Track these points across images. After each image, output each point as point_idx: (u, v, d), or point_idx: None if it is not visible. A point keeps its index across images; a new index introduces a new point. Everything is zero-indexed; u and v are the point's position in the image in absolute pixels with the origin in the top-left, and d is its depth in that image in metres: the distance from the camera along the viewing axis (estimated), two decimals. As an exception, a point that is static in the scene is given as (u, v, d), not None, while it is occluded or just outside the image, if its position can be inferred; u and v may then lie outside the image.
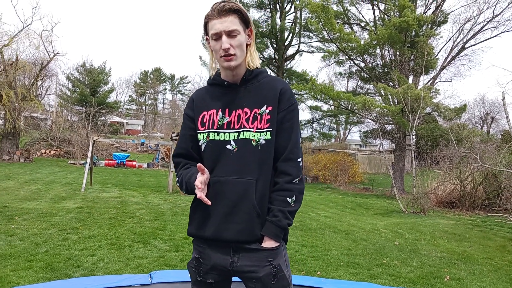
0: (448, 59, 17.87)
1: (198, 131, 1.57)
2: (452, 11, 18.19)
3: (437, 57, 17.62)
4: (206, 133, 1.55)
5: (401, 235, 7.18)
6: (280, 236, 1.48)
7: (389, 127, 17.42)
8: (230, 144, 1.50)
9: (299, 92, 24.13)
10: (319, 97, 17.21)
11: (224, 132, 1.52)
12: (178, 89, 69.94)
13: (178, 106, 62.62)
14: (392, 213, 10.57)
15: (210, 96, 1.60)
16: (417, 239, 6.91)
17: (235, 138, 1.50)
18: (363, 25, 18.88)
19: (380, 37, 15.54)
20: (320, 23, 16.23)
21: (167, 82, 70.77)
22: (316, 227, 7.40)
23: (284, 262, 1.51)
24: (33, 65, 20.93)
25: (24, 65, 19.89)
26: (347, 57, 18.37)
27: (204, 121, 1.56)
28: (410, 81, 16.98)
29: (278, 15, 26.47)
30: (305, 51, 27.74)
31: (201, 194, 1.41)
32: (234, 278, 1.58)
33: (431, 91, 15.48)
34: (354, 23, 19.09)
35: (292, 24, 26.88)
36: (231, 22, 1.47)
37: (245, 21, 1.52)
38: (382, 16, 17.69)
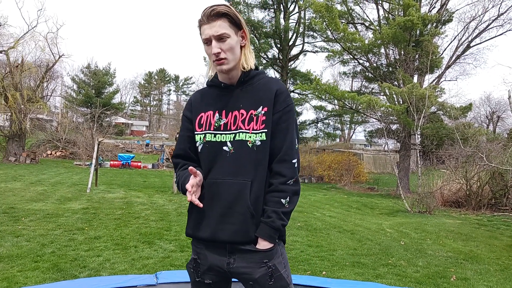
0: (453, 58, 17.78)
1: (195, 133, 1.59)
2: (457, 10, 18.10)
3: (442, 56, 17.54)
4: (203, 135, 1.56)
5: (407, 235, 7.15)
6: (274, 237, 1.47)
7: (394, 127, 17.35)
8: (227, 146, 1.51)
9: (304, 92, 24.12)
10: (323, 97, 17.17)
11: (221, 134, 1.53)
12: (182, 90, 70.12)
13: (182, 107, 62.53)
14: (397, 212, 10.53)
15: (208, 98, 1.62)
16: (423, 238, 6.88)
17: (232, 139, 1.51)
18: (367, 24, 18.82)
19: (385, 37, 15.49)
20: (324, 22, 16.20)
21: (171, 83, 70.97)
22: (321, 227, 7.39)
23: (281, 262, 1.51)
24: (38, 67, 21.07)
25: (30, 67, 20.02)
26: (351, 56, 18.32)
27: (201, 122, 1.58)
28: (415, 80, 16.91)
29: (282, 15, 26.45)
30: (309, 51, 27.70)
31: (191, 197, 1.43)
32: (235, 279, 1.59)
33: (436, 90, 15.41)
34: (358, 23, 19.03)
35: (296, 24, 26.85)
36: (220, 27, 1.47)
37: (236, 24, 1.51)
38: (387, 15, 17.63)
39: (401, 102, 15.70)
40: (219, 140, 1.53)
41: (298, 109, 27.61)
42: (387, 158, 25.91)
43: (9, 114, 19.09)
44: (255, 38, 25.24)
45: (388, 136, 16.10)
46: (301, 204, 10.98)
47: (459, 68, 20.96)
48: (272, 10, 26.82)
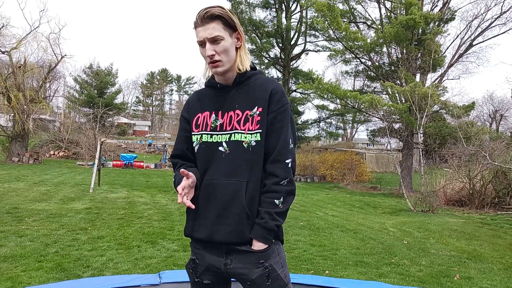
0: (456, 57, 17.74)
1: (192, 133, 1.59)
2: (459, 8, 18.08)
3: (444, 54, 17.50)
4: (200, 135, 1.57)
5: (410, 234, 7.14)
6: (268, 238, 1.46)
7: (396, 126, 17.32)
8: (222, 146, 1.51)
9: (306, 91, 24.10)
10: (325, 96, 17.15)
11: (217, 134, 1.53)
12: (184, 89, 70.21)
13: (184, 106, 62.77)
14: (400, 211, 10.51)
15: (205, 99, 1.62)
16: (426, 237, 6.86)
17: (227, 140, 1.51)
18: (369, 23, 18.79)
19: (387, 35, 15.45)
20: (326, 22, 16.17)
21: (173, 83, 71.07)
22: (324, 226, 7.38)
23: (278, 262, 1.50)
24: (41, 67, 21.12)
25: (32, 68, 20.07)
26: (353, 55, 18.28)
27: (198, 123, 1.58)
28: (417, 79, 16.86)
29: (283, 15, 26.45)
30: (311, 50, 27.71)
31: (181, 199, 1.43)
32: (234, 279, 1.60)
33: (439, 89, 15.36)
34: (360, 22, 19.00)
35: (298, 24, 26.86)
36: (214, 29, 1.47)
37: (230, 26, 1.51)
38: (389, 14, 17.59)
39: (403, 101, 15.66)
40: (215, 140, 1.53)
41: (300, 108, 27.60)
42: (389, 157, 25.84)
43: (12, 114, 19.14)
44: (257, 38, 25.23)
45: (391, 135, 16.06)
46: (303, 203, 10.97)
47: (462, 67, 20.94)
48: (274, 10, 26.82)
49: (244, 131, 1.49)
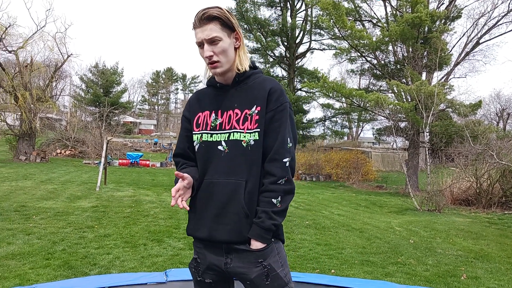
0: (463, 55, 17.60)
1: (193, 132, 1.61)
2: (465, 6, 17.99)
3: (451, 52, 17.38)
4: (200, 134, 1.58)
5: (416, 233, 7.11)
6: (265, 237, 1.46)
7: (402, 124, 17.24)
8: (221, 145, 1.52)
9: (311, 90, 24.02)
10: (331, 94, 17.11)
11: (216, 133, 1.54)
12: (190, 88, 70.36)
13: (190, 105, 62.95)
14: (406, 211, 10.47)
15: (205, 98, 1.64)
16: (432, 237, 6.83)
17: (226, 139, 1.52)
18: (374, 21, 18.71)
19: (393, 34, 15.38)
20: (331, 20, 16.13)
21: (179, 81, 71.25)
22: (329, 225, 7.37)
23: (277, 261, 1.50)
24: (47, 66, 21.24)
25: (39, 67, 20.19)
26: (359, 54, 18.22)
27: (199, 122, 1.59)
28: (423, 78, 16.77)
29: (288, 13, 26.39)
30: (316, 49, 27.64)
31: (175, 202, 1.45)
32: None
33: (445, 88, 15.26)
34: (365, 20, 18.92)
35: (303, 22, 26.79)
36: (211, 30, 1.48)
37: (228, 26, 1.52)
38: (394, 12, 17.50)
39: (409, 100, 15.59)
40: (214, 139, 1.54)
41: (305, 107, 27.54)
42: (395, 156, 25.75)
43: (19, 113, 19.27)
44: (261, 36, 25.20)
45: (397, 134, 16.01)
46: (309, 202, 10.96)
47: (468, 65, 20.77)
48: (279, 8, 26.77)
49: (243, 130, 1.49)
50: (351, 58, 20.49)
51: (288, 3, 26.47)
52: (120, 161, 21.76)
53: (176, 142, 1.74)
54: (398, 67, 17.51)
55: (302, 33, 26.69)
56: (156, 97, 69.68)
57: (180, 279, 3.47)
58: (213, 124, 1.56)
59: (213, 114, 1.57)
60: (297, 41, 26.71)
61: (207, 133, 1.56)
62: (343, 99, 18.21)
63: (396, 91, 16.38)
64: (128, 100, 51.72)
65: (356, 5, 18.18)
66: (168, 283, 3.42)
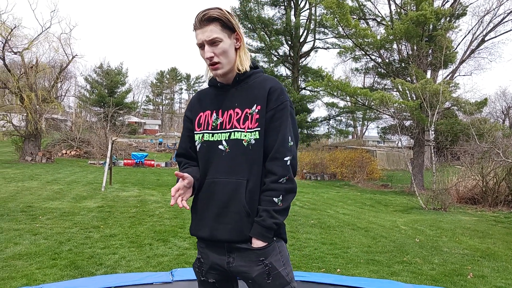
0: (468, 53, 17.48)
1: (194, 132, 1.62)
2: (470, 3, 17.69)
3: (456, 50, 17.25)
4: (201, 134, 1.59)
5: (422, 232, 7.08)
6: (266, 235, 1.46)
7: (407, 123, 17.15)
8: (222, 145, 1.53)
9: (315, 89, 24.00)
10: (335, 93, 17.06)
11: (217, 133, 1.55)
12: (194, 88, 70.51)
13: (194, 105, 63.07)
14: (411, 209, 10.43)
15: (207, 98, 1.65)
16: (438, 236, 6.80)
17: (227, 138, 1.52)
18: (379, 20, 18.62)
19: (397, 32, 15.30)
20: (336, 19, 16.08)
21: (183, 81, 71.40)
22: (334, 224, 7.35)
23: (279, 259, 1.50)
24: (52, 67, 21.35)
25: (44, 68, 20.30)
26: (363, 52, 18.14)
27: (200, 122, 1.60)
28: (428, 76, 16.68)
29: (292, 12, 26.36)
30: (320, 48, 27.59)
31: (173, 202, 1.46)
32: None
33: (450, 85, 15.18)
34: (370, 18, 18.84)
35: (307, 21, 26.74)
36: (212, 31, 1.49)
37: (228, 27, 1.52)
38: (399, 10, 17.41)
39: (414, 98, 15.51)
40: (215, 139, 1.55)
41: (309, 106, 27.50)
42: (400, 155, 25.65)
43: (25, 114, 19.39)
44: (265, 36, 25.19)
45: (402, 132, 15.94)
46: (314, 201, 10.95)
47: (474, 63, 20.66)
48: (283, 7, 26.73)
49: (243, 130, 1.50)
50: (356, 56, 20.41)
51: (292, 2, 26.44)
52: (125, 161, 21.84)
53: (179, 142, 1.75)
54: (403, 65, 17.42)
55: (306, 32, 26.65)
56: (161, 97, 69.89)
57: (186, 279, 3.48)
58: (214, 124, 1.56)
59: (214, 114, 1.58)
60: (301, 40, 26.67)
61: (208, 133, 1.57)
62: (348, 97, 18.13)
63: (401, 90, 16.30)
64: (132, 100, 51.94)
65: (360, 3, 18.11)
66: (174, 282, 3.43)
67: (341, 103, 25.28)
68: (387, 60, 18.07)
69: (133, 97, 60.04)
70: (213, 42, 1.50)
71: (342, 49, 20.23)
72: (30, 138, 19.75)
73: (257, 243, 1.47)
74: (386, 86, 20.55)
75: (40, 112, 19.50)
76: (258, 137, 1.48)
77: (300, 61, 27.18)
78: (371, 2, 18.30)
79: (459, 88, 17.06)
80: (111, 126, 29.68)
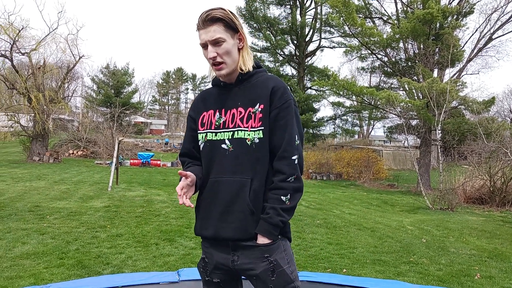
0: (475, 51, 17.35)
1: (198, 132, 1.62)
2: (478, 1, 17.53)
3: (463, 49, 17.13)
4: (205, 133, 1.59)
5: (428, 232, 7.04)
6: (273, 233, 1.47)
7: (414, 122, 17.06)
8: (225, 144, 1.53)
9: (321, 88, 23.94)
10: (341, 92, 17.01)
11: (220, 132, 1.55)
12: (200, 88, 70.58)
13: (200, 105, 63.21)
14: (418, 209, 10.37)
15: (210, 97, 1.66)
16: (445, 236, 6.76)
17: (230, 137, 1.53)
18: (385, 18, 18.53)
19: (403, 31, 15.22)
20: (341, 18, 16.02)
21: (189, 81, 71.55)
22: (340, 224, 7.34)
23: (283, 257, 1.51)
24: (60, 68, 21.52)
25: (52, 69, 20.48)
26: (369, 51, 18.07)
27: (204, 121, 1.61)
28: (435, 75, 16.57)
29: (298, 11, 26.31)
30: (326, 47, 27.50)
31: (182, 201, 1.46)
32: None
33: (458, 84, 15.06)
34: (376, 17, 18.75)
35: (312, 20, 26.66)
36: (215, 31, 1.49)
37: (231, 27, 1.53)
38: (405, 8, 17.32)
39: (421, 97, 15.42)
40: (218, 138, 1.55)
41: (315, 105, 27.43)
42: (407, 154, 25.51)
43: (33, 115, 19.56)
44: (271, 35, 25.17)
45: (408, 132, 15.84)
46: (320, 201, 10.93)
47: (481, 61, 20.56)
48: (288, 6, 26.69)
49: (247, 129, 1.50)
50: (362, 55, 20.34)
51: (297, 1, 26.39)
52: (131, 161, 21.95)
53: (183, 142, 1.75)
54: (409, 64, 17.33)
55: (311, 31, 26.58)
56: (167, 97, 70.12)
57: (193, 279, 3.49)
58: (217, 123, 1.57)
59: (217, 113, 1.58)
60: (306, 39, 26.61)
61: (212, 132, 1.57)
62: (354, 97, 18.07)
63: (407, 89, 16.21)
64: (139, 100, 52.15)
65: (366, 2, 18.04)
66: (180, 282, 3.44)
67: (347, 103, 25.24)
68: (393, 59, 17.98)
69: (139, 97, 60.32)
70: (216, 42, 1.50)
71: (348, 48, 20.18)
72: (38, 138, 19.92)
73: (262, 240, 1.47)
74: (392, 85, 20.45)
75: (47, 112, 19.67)
76: (261, 136, 1.49)
77: (306, 61, 27.12)
78: (377, 1, 18.26)
79: (466, 87, 16.98)
80: (118, 126, 29.84)
